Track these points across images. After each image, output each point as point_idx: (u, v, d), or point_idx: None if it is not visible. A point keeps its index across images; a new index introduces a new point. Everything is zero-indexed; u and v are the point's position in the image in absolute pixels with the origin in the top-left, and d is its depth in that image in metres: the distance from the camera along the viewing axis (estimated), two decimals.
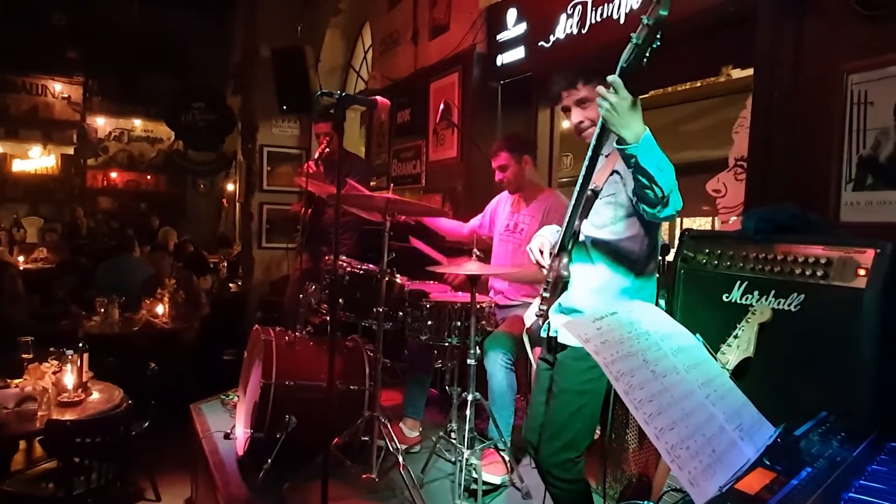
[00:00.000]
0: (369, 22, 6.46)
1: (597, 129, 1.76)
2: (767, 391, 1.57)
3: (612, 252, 2.01)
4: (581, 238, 1.95)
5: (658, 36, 1.53)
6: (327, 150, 4.04)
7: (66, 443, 2.88)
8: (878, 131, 2.14)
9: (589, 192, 1.86)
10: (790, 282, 1.83)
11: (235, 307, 6.96)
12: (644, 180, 1.71)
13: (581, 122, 2.05)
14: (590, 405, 2.01)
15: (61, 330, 4.64)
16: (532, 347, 2.87)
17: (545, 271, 1.99)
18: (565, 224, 1.92)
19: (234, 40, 10.03)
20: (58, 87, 12.01)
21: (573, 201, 1.89)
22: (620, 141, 1.67)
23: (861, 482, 1.12)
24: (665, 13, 1.50)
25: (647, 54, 1.56)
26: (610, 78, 1.60)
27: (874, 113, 2.15)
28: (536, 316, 2.06)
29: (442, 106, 3.80)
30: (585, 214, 1.91)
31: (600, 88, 1.63)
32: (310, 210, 4.10)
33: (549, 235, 2.10)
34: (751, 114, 2.64)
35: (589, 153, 1.78)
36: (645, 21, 1.53)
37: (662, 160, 1.70)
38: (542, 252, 2.01)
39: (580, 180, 1.83)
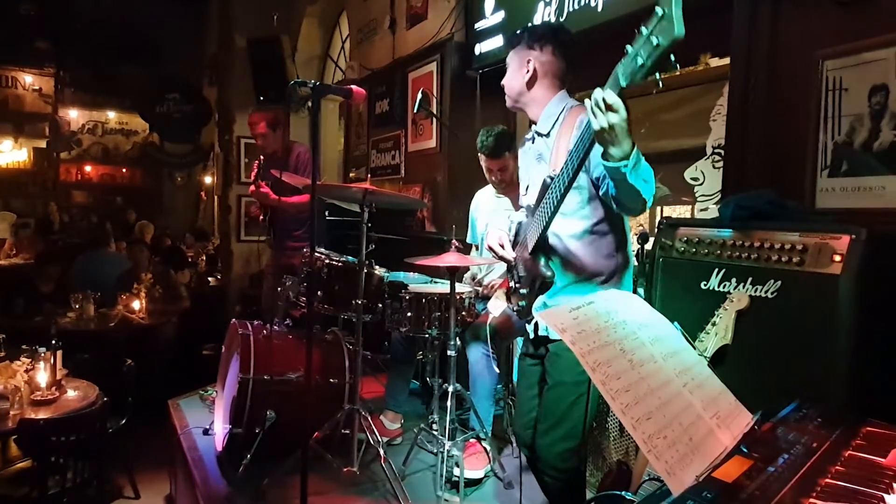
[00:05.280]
0: (346, 11, 6.38)
1: (577, 147, 1.62)
2: (745, 378, 1.58)
3: (590, 238, 1.94)
4: (552, 230, 1.87)
5: (672, 59, 1.28)
6: (261, 149, 4.10)
7: (41, 442, 2.82)
8: (853, 117, 2.15)
9: (547, 179, 1.78)
10: (767, 269, 1.84)
11: (214, 301, 6.88)
12: (630, 193, 1.63)
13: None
14: (586, 395, 1.95)
15: (34, 327, 4.53)
16: (493, 339, 2.87)
17: (513, 262, 1.98)
18: (538, 225, 1.84)
19: (209, 30, 9.86)
20: (28, 78, 11.73)
21: (545, 207, 1.80)
22: (608, 157, 1.55)
23: (837, 468, 1.12)
24: (681, 33, 1.24)
25: (659, 76, 1.33)
26: (609, 98, 1.41)
27: (849, 99, 2.16)
28: (514, 311, 2.03)
29: (419, 95, 3.77)
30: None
31: (596, 104, 1.44)
32: (268, 210, 4.10)
33: (504, 226, 2.06)
34: (727, 101, 2.65)
35: (570, 175, 1.65)
36: (654, 41, 1.27)
37: (647, 172, 1.61)
38: (503, 246, 1.99)
39: (556, 197, 1.72)
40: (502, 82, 2.06)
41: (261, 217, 4.22)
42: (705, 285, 1.99)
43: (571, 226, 1.93)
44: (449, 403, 2.72)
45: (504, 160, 3.15)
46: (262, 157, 4.16)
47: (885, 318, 1.73)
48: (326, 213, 4.30)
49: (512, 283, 2.04)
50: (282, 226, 4.14)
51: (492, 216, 3.32)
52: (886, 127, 2.07)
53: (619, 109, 1.43)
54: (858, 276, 1.66)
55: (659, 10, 1.26)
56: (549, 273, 1.84)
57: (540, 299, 1.95)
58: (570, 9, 3.34)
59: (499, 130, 3.16)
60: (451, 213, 4.30)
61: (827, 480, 1.07)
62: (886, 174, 2.07)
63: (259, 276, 6.60)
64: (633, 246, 2.53)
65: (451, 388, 2.75)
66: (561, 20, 3.39)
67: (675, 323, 1.52)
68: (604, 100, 1.42)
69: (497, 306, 2.97)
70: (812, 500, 0.99)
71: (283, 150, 4.21)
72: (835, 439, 1.23)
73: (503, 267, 3.25)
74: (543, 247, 1.88)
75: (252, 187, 4.05)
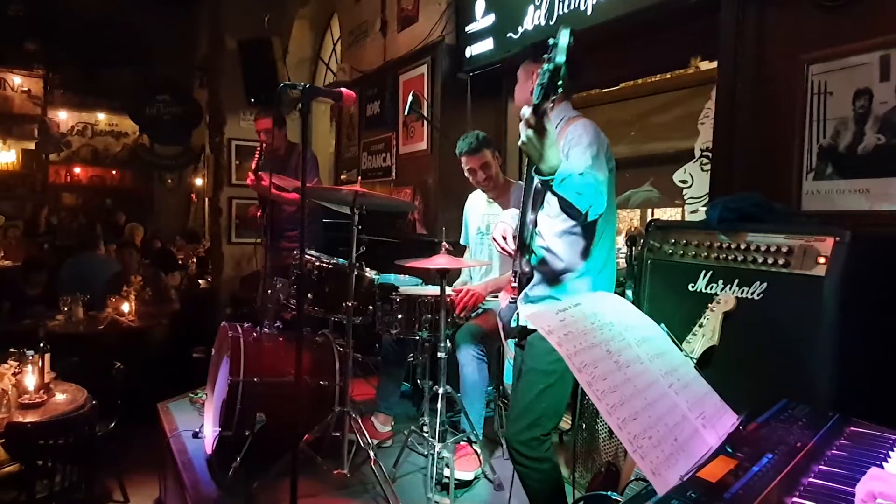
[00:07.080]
0: (337, 13, 6.38)
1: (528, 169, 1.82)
2: (732, 379, 1.59)
3: (568, 238, 2.06)
4: (538, 229, 2.00)
5: (559, 82, 1.51)
6: (266, 146, 4.12)
7: (28, 445, 2.81)
8: (838, 121, 2.17)
9: (538, 184, 1.89)
10: (753, 270, 1.86)
11: (205, 304, 6.84)
12: (563, 203, 1.82)
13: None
14: (556, 384, 2.03)
15: (22, 330, 4.50)
16: (483, 341, 2.90)
17: (514, 255, 2.02)
18: (519, 220, 1.96)
19: (199, 31, 9.82)
20: (17, 80, 11.63)
21: (523, 198, 1.95)
22: (538, 171, 1.71)
23: (821, 467, 1.13)
24: (562, 61, 1.48)
25: (554, 94, 1.54)
26: (525, 113, 1.59)
27: (833, 103, 2.18)
28: (509, 303, 2.09)
29: (410, 97, 3.78)
30: (540, 205, 1.98)
31: (521, 118, 1.62)
32: (266, 208, 4.10)
33: (511, 220, 2.11)
34: (715, 104, 2.67)
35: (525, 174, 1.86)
36: (545, 66, 1.51)
37: (581, 185, 1.76)
38: (505, 238, 2.06)
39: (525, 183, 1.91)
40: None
41: (259, 214, 4.23)
42: (693, 287, 2.00)
43: (555, 225, 2.07)
44: (439, 405, 2.73)
45: (483, 155, 3.15)
46: (262, 147, 4.15)
47: (868, 318, 1.75)
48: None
49: (512, 279, 2.11)
50: (277, 226, 4.14)
51: (484, 219, 3.32)
52: (870, 130, 2.09)
53: (535, 125, 1.58)
54: (842, 278, 1.68)
55: (551, 40, 1.49)
56: (527, 269, 1.98)
57: (523, 294, 2.06)
58: (560, 12, 3.36)
59: (476, 133, 3.19)
60: (441, 216, 4.31)
61: (811, 480, 1.08)
62: (870, 177, 2.10)
63: (250, 278, 6.59)
64: (623, 248, 2.56)
65: (441, 391, 2.75)
66: (551, 23, 3.41)
67: (662, 324, 1.54)
68: (523, 115, 1.59)
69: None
70: (796, 500, 1.00)
71: (285, 150, 4.23)
72: (819, 439, 1.24)
73: (494, 271, 3.26)
74: (525, 243, 1.99)
75: (251, 178, 4.04)
